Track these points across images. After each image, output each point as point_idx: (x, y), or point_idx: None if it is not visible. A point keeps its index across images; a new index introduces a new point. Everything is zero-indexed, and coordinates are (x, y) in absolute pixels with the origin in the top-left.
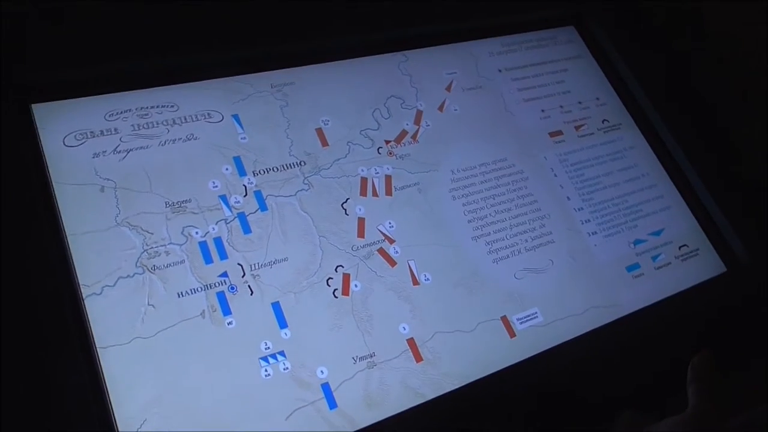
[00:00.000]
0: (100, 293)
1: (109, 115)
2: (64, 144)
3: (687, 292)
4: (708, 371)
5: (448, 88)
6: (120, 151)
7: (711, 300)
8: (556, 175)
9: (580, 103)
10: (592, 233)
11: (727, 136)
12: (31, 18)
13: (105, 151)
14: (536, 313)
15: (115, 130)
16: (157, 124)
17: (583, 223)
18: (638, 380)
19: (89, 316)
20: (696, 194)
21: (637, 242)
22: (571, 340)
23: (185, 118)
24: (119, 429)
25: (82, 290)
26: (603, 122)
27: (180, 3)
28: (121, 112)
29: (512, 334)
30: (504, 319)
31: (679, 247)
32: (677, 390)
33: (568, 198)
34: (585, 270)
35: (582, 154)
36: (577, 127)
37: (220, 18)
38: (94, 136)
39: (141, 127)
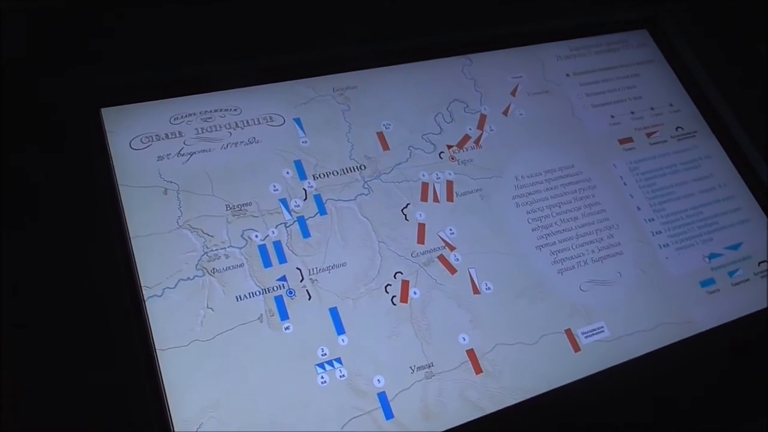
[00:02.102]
0: (161, 295)
1: (174, 119)
2: (131, 147)
3: (766, 311)
4: None
5: (514, 93)
6: (183, 154)
7: None
8: (625, 184)
9: (652, 109)
10: (664, 245)
11: None
12: (100, 22)
13: (169, 154)
14: (602, 327)
15: (180, 133)
16: (220, 127)
17: (653, 235)
18: (709, 402)
19: (150, 318)
20: None
21: (712, 256)
22: (639, 356)
23: (248, 122)
24: (176, 431)
25: (144, 292)
26: (677, 129)
27: (245, 7)
28: (186, 116)
29: (577, 349)
30: (568, 332)
31: (759, 263)
32: (756, 414)
33: (639, 208)
34: (655, 284)
35: (654, 163)
36: (648, 135)
37: (284, 21)
38: (159, 140)
39: (204, 131)
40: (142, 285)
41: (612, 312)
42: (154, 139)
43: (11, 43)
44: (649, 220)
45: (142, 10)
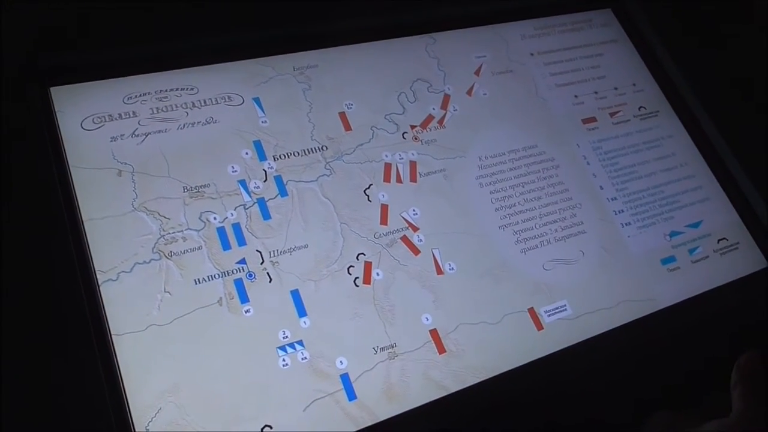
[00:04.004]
0: (116, 279)
1: (128, 99)
2: (82, 127)
3: (725, 287)
4: (756, 372)
5: (477, 72)
6: (138, 135)
7: (751, 296)
8: (588, 164)
9: (615, 89)
10: (626, 224)
11: None
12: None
13: (123, 135)
14: (565, 305)
15: (134, 113)
16: (176, 107)
17: (616, 214)
18: (671, 378)
19: (104, 303)
20: (737, 185)
21: (673, 234)
22: (601, 334)
23: (205, 101)
24: (133, 417)
25: (98, 276)
26: (640, 109)
27: None
28: (140, 95)
29: (540, 327)
30: (531, 311)
31: (718, 241)
32: (713, 389)
33: (601, 187)
34: (617, 262)
35: (616, 142)
36: (612, 114)
37: None
38: (112, 120)
39: (160, 111)
40: (96, 269)
41: (575, 290)
42: (107, 120)
43: None
44: (612, 199)
45: None
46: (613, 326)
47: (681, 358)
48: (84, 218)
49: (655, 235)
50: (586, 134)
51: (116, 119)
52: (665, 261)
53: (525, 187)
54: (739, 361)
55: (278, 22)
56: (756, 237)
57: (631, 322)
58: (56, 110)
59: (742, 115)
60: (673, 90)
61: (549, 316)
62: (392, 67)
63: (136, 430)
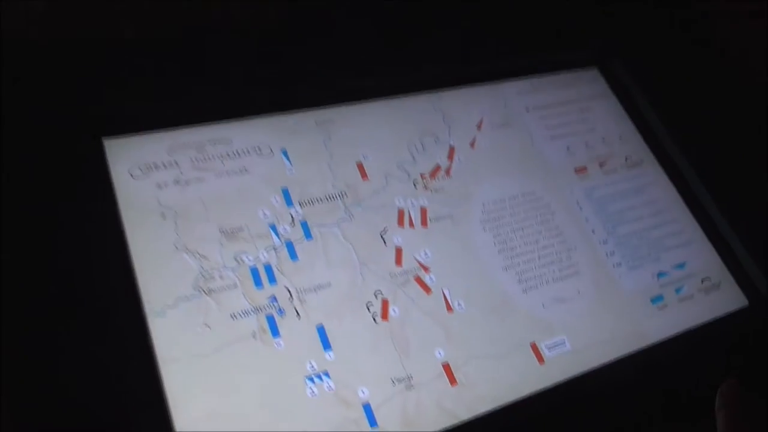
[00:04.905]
0: (162, 313)
1: (171, 150)
2: (131, 175)
3: (710, 324)
4: (737, 397)
5: (479, 126)
6: (180, 182)
7: (733, 332)
8: (581, 209)
9: (603, 140)
10: (617, 265)
11: (749, 171)
12: (103, 58)
13: (166, 182)
14: (564, 340)
15: (176, 163)
16: (213, 157)
17: (608, 256)
18: (662, 405)
19: (153, 335)
20: (717, 228)
21: (660, 275)
22: (598, 367)
23: (238, 153)
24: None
25: (146, 310)
26: (626, 159)
27: (237, 46)
28: (181, 147)
29: (541, 360)
30: (533, 345)
31: (702, 280)
32: (700, 417)
33: (594, 231)
34: (611, 300)
35: (606, 189)
36: (601, 164)
37: (270, 59)
38: (157, 169)
39: (199, 161)
40: (145, 304)
41: (572, 327)
42: (153, 168)
43: (17, 74)
44: (603, 242)
45: (142, 48)
46: (609, 360)
47: (670, 387)
48: (134, 258)
49: (644, 275)
50: (579, 182)
51: (161, 168)
52: (654, 299)
53: (524, 231)
54: (721, 389)
55: (303, 81)
56: (736, 277)
57: (624, 355)
58: (108, 160)
59: (719, 162)
60: (654, 141)
61: (550, 350)
62: (402, 121)
63: None
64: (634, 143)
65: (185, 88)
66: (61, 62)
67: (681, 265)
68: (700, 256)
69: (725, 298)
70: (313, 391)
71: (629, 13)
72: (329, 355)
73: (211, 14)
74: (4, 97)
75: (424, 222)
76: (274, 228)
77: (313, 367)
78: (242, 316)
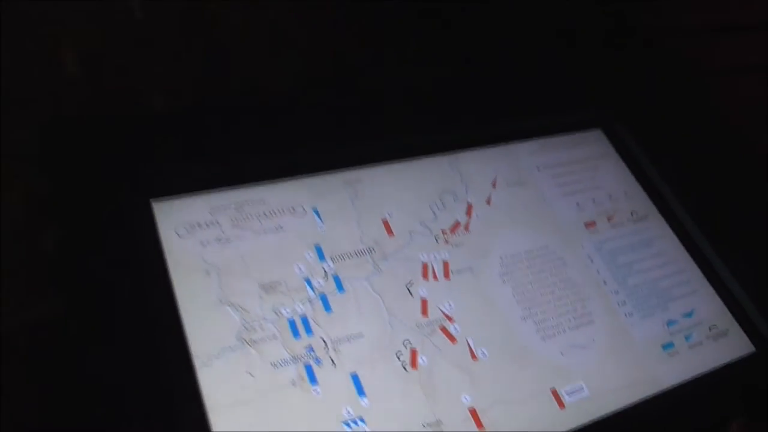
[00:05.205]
0: (208, 362)
1: (213, 210)
2: (177, 234)
3: (719, 370)
4: None
5: (494, 184)
6: (221, 240)
7: (742, 376)
8: (592, 261)
9: (610, 196)
10: (629, 314)
11: (750, 221)
12: (151, 126)
13: (209, 241)
14: (582, 386)
15: (218, 222)
16: (251, 217)
17: (620, 305)
18: None
19: (200, 383)
20: (720, 278)
21: (670, 323)
22: (615, 412)
23: (274, 212)
24: None
25: (195, 361)
26: (632, 214)
27: (270, 114)
28: (222, 208)
29: (561, 406)
30: (553, 391)
31: (709, 328)
32: None
33: (605, 282)
34: (625, 348)
35: (615, 243)
36: (608, 218)
37: (301, 125)
38: (200, 228)
39: (238, 220)
40: (193, 354)
41: (590, 373)
42: (197, 228)
43: (70, 146)
44: (615, 292)
45: (183, 117)
46: (626, 404)
47: (685, 429)
48: (182, 311)
49: (655, 324)
50: (589, 236)
51: (204, 228)
52: (665, 347)
53: (541, 282)
54: (731, 428)
55: (331, 144)
56: (742, 325)
57: (640, 400)
58: (157, 219)
59: (721, 213)
60: (657, 196)
61: (569, 396)
62: (423, 181)
63: None
64: (638, 199)
65: (224, 153)
66: (111, 133)
67: (689, 314)
68: (707, 304)
69: (733, 345)
70: None
71: (628, 77)
72: (364, 402)
73: (246, 84)
74: (59, 167)
75: (446, 275)
76: (308, 282)
77: (349, 413)
78: (282, 365)
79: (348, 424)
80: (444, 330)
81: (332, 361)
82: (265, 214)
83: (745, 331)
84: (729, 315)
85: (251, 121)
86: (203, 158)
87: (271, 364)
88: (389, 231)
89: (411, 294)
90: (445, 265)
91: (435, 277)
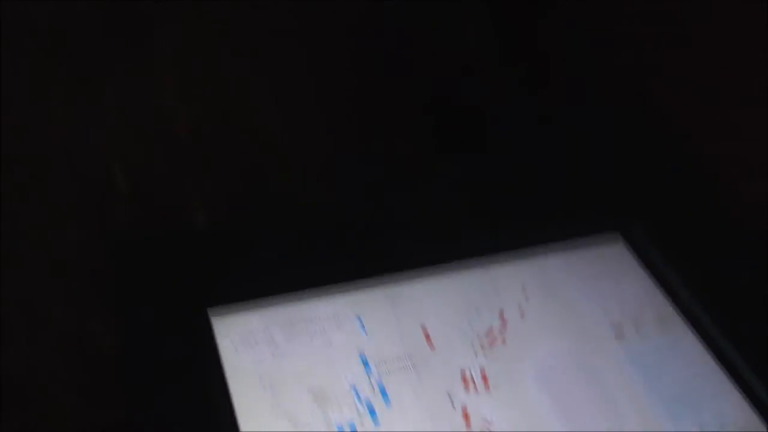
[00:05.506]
0: None
1: (267, 327)
2: (234, 348)
3: None
4: None
5: (526, 297)
6: (275, 355)
7: None
8: (623, 367)
9: (635, 300)
10: (661, 417)
11: None
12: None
13: (265, 355)
14: None
15: (272, 338)
16: (302, 333)
17: (652, 407)
18: None
19: None
20: (747, 382)
21: (703, 426)
22: None
23: (322, 327)
24: None
25: None
26: (656, 319)
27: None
28: (276, 324)
29: None
30: None
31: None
32: None
33: (636, 387)
34: None
35: (642, 348)
36: (635, 323)
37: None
38: (257, 344)
39: (290, 336)
40: None
41: None
42: (253, 343)
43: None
44: (646, 395)
45: (233, 234)
46: None
47: None
48: (240, 421)
49: (688, 427)
50: (617, 342)
51: (260, 343)
52: None
53: (575, 389)
54: None
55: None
56: None
57: None
58: (216, 334)
59: (748, 320)
60: (679, 300)
61: None
62: (459, 293)
63: None
64: (660, 304)
65: (276, 266)
66: (171, 251)
67: (721, 417)
68: (736, 407)
69: None
70: None
71: (643, 182)
72: None
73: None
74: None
75: (485, 384)
76: (355, 390)
77: None
78: None
79: None
80: None
81: None
82: (315, 330)
83: None
84: (757, 418)
85: (297, 236)
86: (256, 270)
87: None
88: (428, 339)
89: (452, 402)
90: (483, 373)
91: (474, 386)
